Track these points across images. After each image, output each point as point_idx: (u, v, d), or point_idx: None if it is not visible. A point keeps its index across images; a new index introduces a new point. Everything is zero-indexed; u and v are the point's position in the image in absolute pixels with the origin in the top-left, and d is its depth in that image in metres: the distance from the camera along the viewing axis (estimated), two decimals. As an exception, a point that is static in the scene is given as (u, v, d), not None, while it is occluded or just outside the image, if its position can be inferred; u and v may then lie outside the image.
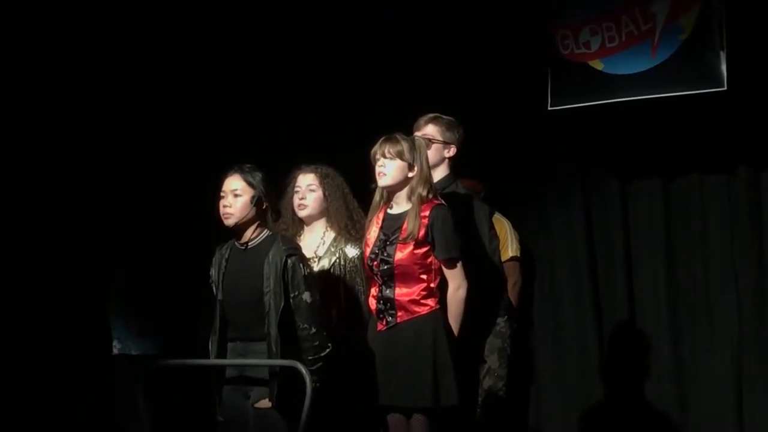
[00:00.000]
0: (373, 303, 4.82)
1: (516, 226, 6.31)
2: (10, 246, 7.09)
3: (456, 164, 5.17)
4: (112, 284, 6.84)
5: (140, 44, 7.01)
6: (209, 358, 4.76)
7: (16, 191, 7.10)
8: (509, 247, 6.13)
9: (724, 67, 5.60)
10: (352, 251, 5.04)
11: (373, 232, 4.82)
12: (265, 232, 4.70)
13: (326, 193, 5.08)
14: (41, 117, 7.12)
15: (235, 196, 4.65)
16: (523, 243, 6.33)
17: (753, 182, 6.03)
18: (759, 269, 6.02)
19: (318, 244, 5.09)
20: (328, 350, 4.58)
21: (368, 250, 4.81)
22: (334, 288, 5.04)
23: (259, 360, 4.57)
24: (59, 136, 7.17)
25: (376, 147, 4.80)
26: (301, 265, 4.60)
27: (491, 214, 5.29)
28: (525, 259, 6.34)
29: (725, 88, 5.61)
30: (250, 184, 4.66)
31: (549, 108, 6.11)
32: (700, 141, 6.12)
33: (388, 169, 4.75)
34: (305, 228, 5.15)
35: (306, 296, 4.57)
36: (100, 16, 6.91)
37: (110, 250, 6.93)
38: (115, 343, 6.76)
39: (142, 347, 6.71)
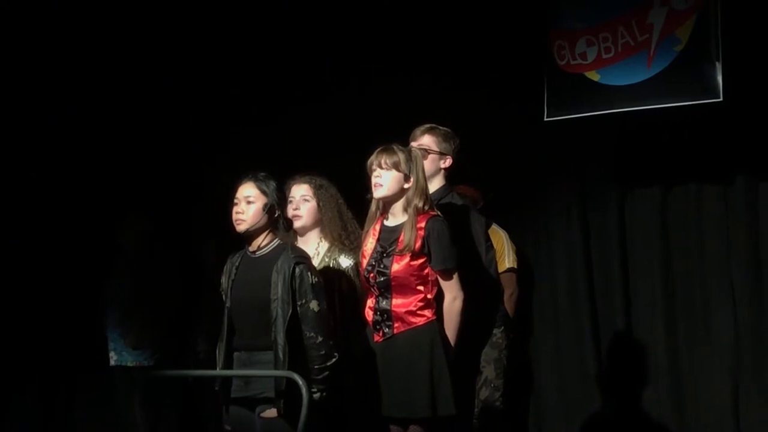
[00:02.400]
0: (369, 314, 4.82)
1: (513, 236, 6.32)
2: (8, 254, 7.10)
3: (453, 174, 5.18)
4: (108, 294, 6.86)
5: (135, 46, 7.04)
6: (215, 366, 4.74)
7: (15, 197, 7.12)
8: (506, 259, 6.15)
9: (719, 78, 5.60)
10: (345, 261, 5.03)
11: (369, 244, 4.83)
12: (276, 241, 4.70)
13: (320, 204, 5.07)
14: (37, 122, 7.13)
15: (248, 203, 4.66)
16: (520, 253, 6.34)
17: (750, 192, 6.04)
18: (756, 278, 6.03)
19: (312, 255, 5.07)
20: (334, 359, 4.57)
21: (365, 262, 4.81)
22: (330, 298, 5.03)
23: (258, 371, 4.56)
24: (55, 142, 7.18)
25: (373, 157, 4.79)
26: (309, 273, 4.60)
27: (488, 225, 5.28)
28: (522, 269, 6.35)
29: (721, 99, 5.62)
30: (263, 192, 4.67)
31: (545, 119, 6.13)
32: (697, 151, 6.13)
33: (384, 179, 4.74)
34: (299, 239, 5.15)
35: (313, 305, 4.57)
36: (93, 23, 6.94)
37: (108, 259, 6.95)
38: (111, 354, 6.77)
39: (138, 358, 6.72)
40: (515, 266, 6.22)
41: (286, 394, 4.48)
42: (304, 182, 5.11)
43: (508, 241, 6.23)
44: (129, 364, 6.72)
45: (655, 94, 5.78)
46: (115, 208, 6.98)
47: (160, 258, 6.85)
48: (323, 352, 4.55)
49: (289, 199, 5.09)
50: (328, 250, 5.07)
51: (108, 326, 6.79)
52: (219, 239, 4.96)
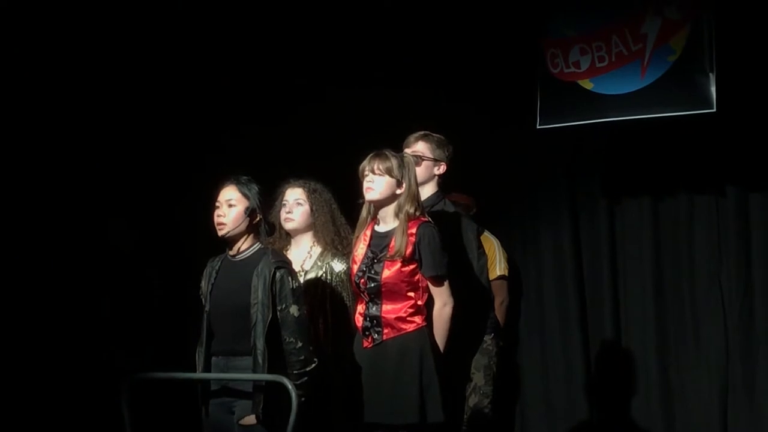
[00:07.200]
0: (359, 320, 4.81)
1: (504, 243, 6.32)
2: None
3: (446, 182, 5.18)
4: (101, 296, 6.84)
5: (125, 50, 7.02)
6: (195, 371, 4.74)
7: (5, 198, 7.09)
8: (497, 266, 6.15)
9: (713, 89, 5.62)
10: (338, 266, 5.04)
11: (360, 250, 4.82)
12: (257, 245, 4.69)
13: (313, 208, 5.09)
14: (26, 127, 7.10)
15: (230, 207, 4.65)
16: (511, 261, 6.34)
17: (741, 202, 6.06)
18: (746, 288, 6.05)
19: (305, 258, 5.09)
20: (313, 365, 4.56)
21: (355, 268, 4.81)
22: (321, 302, 5.04)
23: (246, 375, 4.55)
24: (48, 141, 7.15)
25: (365, 162, 4.79)
26: (290, 278, 4.59)
27: (480, 232, 5.28)
28: (513, 277, 6.35)
29: (714, 110, 5.63)
30: (245, 195, 4.66)
31: (538, 127, 6.13)
32: (690, 161, 6.15)
33: (376, 184, 4.74)
34: (291, 242, 5.16)
35: (293, 310, 4.56)
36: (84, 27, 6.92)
37: (99, 262, 6.93)
38: (100, 355, 6.75)
39: (128, 360, 6.70)
40: (506, 274, 6.22)
41: (265, 399, 4.47)
42: (299, 186, 5.14)
43: (500, 248, 6.23)
44: (118, 365, 6.71)
45: (649, 104, 5.79)
46: (107, 210, 6.96)
47: (151, 260, 6.84)
48: (302, 358, 4.54)
49: (283, 202, 5.11)
50: (321, 254, 5.09)
51: (100, 327, 6.78)
52: (210, 243, 4.94)
